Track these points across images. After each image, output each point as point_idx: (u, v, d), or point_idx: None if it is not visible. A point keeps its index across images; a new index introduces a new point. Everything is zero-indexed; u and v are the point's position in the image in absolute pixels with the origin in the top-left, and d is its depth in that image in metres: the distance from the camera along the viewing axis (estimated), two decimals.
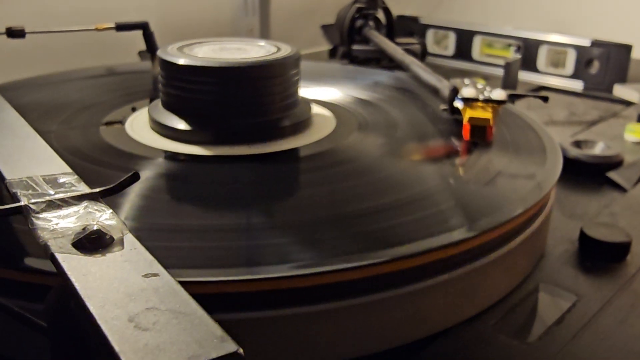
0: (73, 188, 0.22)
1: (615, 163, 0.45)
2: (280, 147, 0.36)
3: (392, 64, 0.59)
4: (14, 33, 0.51)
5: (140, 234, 0.20)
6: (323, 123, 0.40)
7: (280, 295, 0.24)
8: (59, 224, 0.19)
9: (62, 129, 0.38)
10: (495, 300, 0.30)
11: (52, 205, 0.20)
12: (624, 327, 0.29)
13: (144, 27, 0.55)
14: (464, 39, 0.77)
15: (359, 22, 0.70)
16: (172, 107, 0.37)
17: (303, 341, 0.25)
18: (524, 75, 0.70)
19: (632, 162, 0.46)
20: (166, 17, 0.73)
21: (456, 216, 0.29)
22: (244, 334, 0.24)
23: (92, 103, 0.44)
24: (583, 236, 0.35)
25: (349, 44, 0.70)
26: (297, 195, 0.32)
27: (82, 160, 0.33)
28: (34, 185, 0.22)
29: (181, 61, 0.36)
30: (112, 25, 0.54)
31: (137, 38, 0.56)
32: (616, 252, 0.34)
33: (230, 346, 0.14)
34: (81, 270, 0.17)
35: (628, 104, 0.63)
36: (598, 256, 0.34)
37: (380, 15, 0.72)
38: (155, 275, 0.17)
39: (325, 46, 0.79)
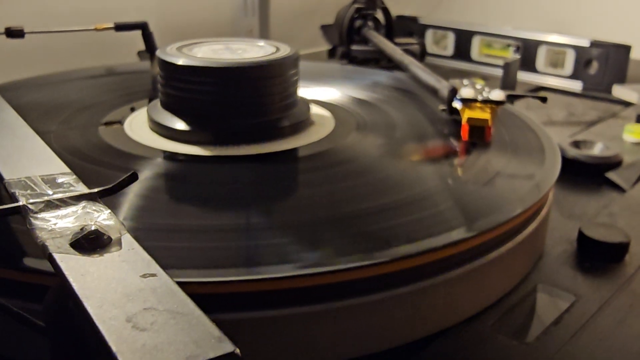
0: (71, 188, 0.22)
1: (614, 163, 0.45)
2: (279, 147, 0.36)
3: (391, 64, 0.59)
4: (13, 33, 0.51)
5: (139, 234, 0.20)
6: (322, 123, 0.40)
7: (279, 296, 0.24)
8: (57, 224, 0.19)
9: (62, 129, 0.38)
10: (494, 300, 0.30)
11: (51, 205, 0.20)
12: (623, 328, 0.29)
13: (143, 27, 0.55)
14: (463, 39, 0.77)
15: (358, 23, 0.70)
16: (171, 107, 0.37)
17: (302, 341, 0.25)
18: (523, 76, 0.70)
19: (631, 163, 0.46)
20: (165, 17, 0.73)
21: (455, 216, 0.29)
22: (244, 334, 0.24)
23: (91, 103, 0.44)
24: (582, 236, 0.35)
25: (348, 44, 0.70)
26: (296, 195, 0.32)
27: (81, 160, 0.33)
28: (33, 185, 0.22)
29: (180, 61, 0.36)
30: (112, 25, 0.54)
31: (136, 38, 0.56)
32: (615, 253, 0.34)
33: (228, 346, 0.14)
34: (79, 271, 0.17)
35: (627, 104, 0.63)
36: (597, 256, 0.34)
37: (380, 15, 0.72)
38: (153, 275, 0.17)
39: (324, 46, 0.79)
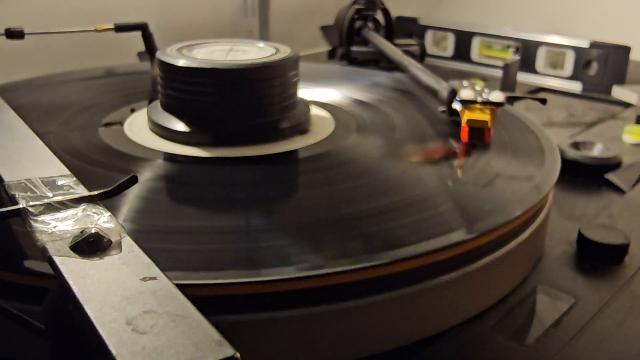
0: (71, 190, 0.22)
1: (613, 164, 0.45)
2: (279, 148, 0.36)
3: (391, 65, 0.59)
4: (13, 34, 0.51)
5: (139, 236, 0.20)
6: (322, 124, 0.40)
7: (279, 298, 0.24)
8: (57, 227, 0.19)
9: (61, 130, 0.38)
10: (494, 301, 0.30)
11: (51, 207, 0.20)
12: (622, 329, 0.29)
13: (143, 28, 0.55)
14: (463, 40, 0.77)
15: (358, 24, 0.70)
16: (171, 108, 0.37)
17: (302, 343, 0.25)
18: (523, 77, 0.70)
19: (631, 164, 0.46)
20: (165, 18, 0.73)
21: (455, 218, 0.29)
22: (244, 335, 0.24)
23: (91, 104, 0.44)
24: (581, 238, 0.35)
25: (348, 45, 0.70)
26: (296, 196, 0.32)
27: (80, 162, 0.33)
28: (33, 188, 0.22)
29: (180, 63, 0.36)
30: (112, 26, 0.54)
31: (136, 39, 0.56)
32: (614, 254, 0.34)
33: (228, 350, 0.14)
34: (79, 273, 0.17)
35: (626, 105, 0.63)
36: (596, 258, 0.34)
37: (379, 16, 0.72)
38: (153, 278, 0.17)
39: (324, 47, 0.79)
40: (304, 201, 0.31)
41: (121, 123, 0.39)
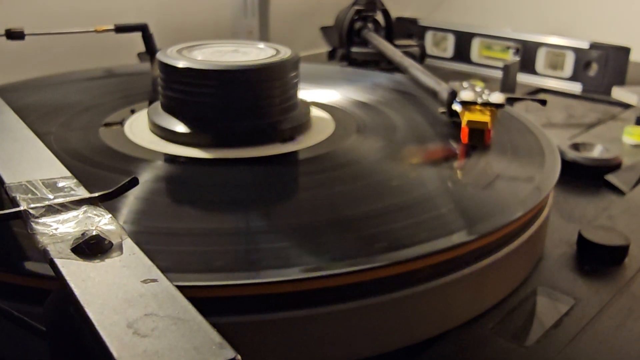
0: (72, 192, 0.22)
1: (613, 166, 0.45)
2: (279, 149, 0.36)
3: (391, 66, 0.59)
4: (14, 35, 0.51)
5: (139, 238, 0.20)
6: (322, 125, 0.40)
7: (280, 299, 0.24)
8: (58, 229, 0.19)
9: (62, 131, 0.38)
10: (494, 303, 0.30)
11: (52, 210, 0.20)
12: (622, 331, 0.29)
13: (143, 28, 0.55)
14: (463, 41, 0.77)
15: (358, 24, 0.70)
16: (171, 109, 0.37)
17: (303, 344, 0.25)
18: (523, 78, 0.70)
19: (631, 165, 0.46)
20: (165, 19, 0.73)
21: (455, 219, 0.30)
22: (244, 337, 0.24)
23: (91, 105, 0.44)
24: (581, 239, 0.35)
25: (348, 46, 0.70)
26: (297, 198, 0.32)
27: (81, 163, 0.33)
28: (34, 190, 0.22)
29: (180, 64, 0.36)
30: (112, 27, 0.55)
31: (136, 40, 0.56)
32: (614, 255, 0.34)
33: (229, 352, 0.14)
34: (80, 276, 0.17)
35: (626, 106, 0.63)
36: (596, 259, 0.34)
37: (379, 17, 0.72)
38: (154, 281, 0.17)
39: (324, 48, 0.79)
40: (304, 202, 0.31)
41: (121, 124, 0.39)
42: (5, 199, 0.23)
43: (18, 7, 0.63)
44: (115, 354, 0.14)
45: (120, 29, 0.55)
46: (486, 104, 0.38)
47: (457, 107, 0.40)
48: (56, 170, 0.24)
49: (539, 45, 0.71)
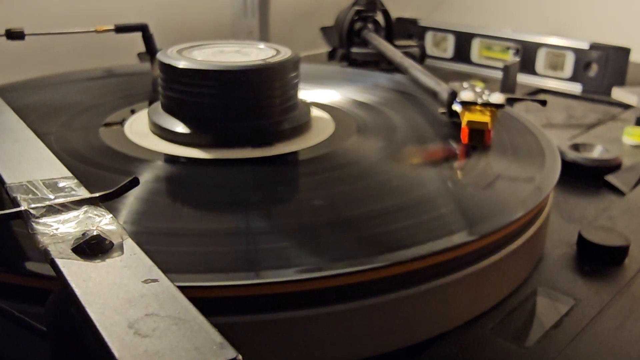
0: (73, 192, 0.22)
1: (613, 166, 0.45)
2: (280, 150, 0.36)
3: (391, 67, 0.59)
4: (14, 35, 0.51)
5: (139, 238, 0.20)
6: (322, 126, 0.40)
7: (280, 299, 0.24)
8: (59, 229, 0.19)
9: (62, 131, 0.38)
10: (494, 303, 0.30)
11: (52, 210, 0.20)
12: (622, 331, 0.29)
13: (143, 29, 0.55)
14: (463, 41, 0.77)
15: (358, 25, 0.71)
16: (171, 110, 0.37)
17: (304, 345, 0.25)
18: (523, 78, 0.70)
19: (631, 166, 0.46)
20: (165, 19, 0.73)
21: (455, 220, 0.30)
22: (245, 337, 0.24)
23: (91, 105, 0.44)
24: (581, 240, 0.35)
25: (348, 46, 0.70)
26: (297, 198, 0.32)
27: (81, 163, 0.33)
28: (34, 190, 0.22)
29: (181, 64, 0.36)
30: (112, 27, 0.55)
31: (136, 40, 0.56)
32: (614, 256, 0.34)
33: (230, 352, 0.14)
34: (81, 276, 0.17)
35: (626, 106, 0.63)
36: (596, 260, 0.34)
37: (380, 17, 0.72)
38: (155, 281, 0.17)
39: (324, 48, 0.79)
40: (304, 203, 0.31)
41: (122, 124, 0.39)
42: (6, 199, 0.23)
43: (18, 7, 0.63)
44: (116, 354, 0.14)
45: (120, 29, 0.55)
46: (486, 105, 0.38)
47: (457, 107, 0.40)
48: (57, 170, 0.24)
49: (539, 45, 0.71)
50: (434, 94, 0.44)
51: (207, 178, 0.33)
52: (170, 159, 0.35)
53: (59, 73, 0.52)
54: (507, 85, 0.61)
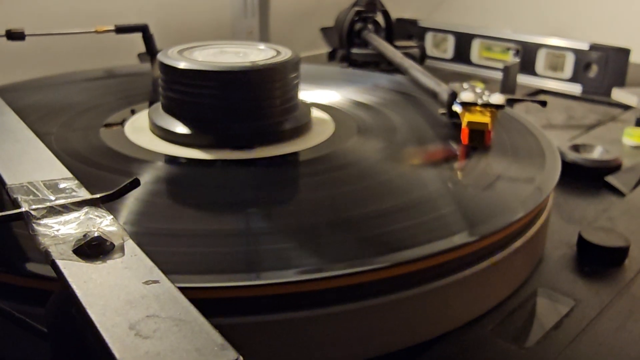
0: (73, 193, 0.22)
1: (613, 167, 0.45)
2: (280, 150, 0.36)
3: (391, 67, 0.59)
4: (14, 35, 0.51)
5: (140, 239, 0.20)
6: (322, 127, 0.40)
7: (281, 300, 0.24)
8: (59, 230, 0.19)
9: (62, 131, 0.38)
10: (494, 304, 0.30)
11: (53, 211, 0.20)
12: (622, 332, 0.29)
13: (143, 29, 0.55)
14: (463, 42, 0.77)
15: (358, 25, 0.71)
16: (172, 110, 0.37)
17: (304, 345, 0.25)
18: (523, 79, 0.70)
19: (631, 167, 0.46)
20: (166, 19, 0.73)
21: (456, 221, 0.30)
22: (245, 338, 0.24)
23: (91, 105, 0.44)
24: (581, 241, 0.35)
25: (348, 47, 0.70)
26: (297, 199, 0.32)
27: (81, 164, 0.33)
28: (35, 191, 0.22)
29: (181, 65, 0.36)
30: (112, 27, 0.55)
31: (136, 40, 0.56)
32: (614, 257, 0.34)
33: (231, 354, 0.14)
34: (82, 277, 0.17)
35: (626, 107, 0.63)
36: (596, 261, 0.34)
37: (380, 18, 0.72)
38: (156, 282, 0.17)
39: (324, 49, 0.79)
40: (305, 204, 0.31)
41: (122, 124, 0.39)
42: (7, 200, 0.23)
43: (18, 7, 0.63)
44: (117, 355, 0.14)
45: (120, 30, 0.55)
46: (486, 105, 0.38)
47: (457, 108, 0.40)
48: (57, 171, 0.24)
49: (539, 46, 0.71)
50: (434, 95, 0.44)
51: (208, 179, 0.33)
52: (171, 160, 0.35)
53: (60, 73, 0.52)
54: (507, 86, 0.61)
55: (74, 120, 0.41)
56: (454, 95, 0.40)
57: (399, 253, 0.26)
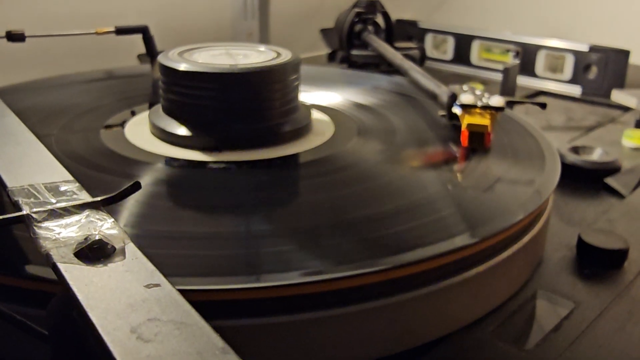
0: (74, 196, 0.22)
1: (613, 169, 0.46)
2: (280, 152, 0.36)
3: (391, 69, 0.59)
4: (14, 37, 0.51)
5: (140, 241, 0.20)
6: (322, 128, 0.40)
7: (281, 303, 0.24)
8: (60, 234, 0.19)
9: (62, 133, 0.38)
10: (494, 306, 0.30)
11: (54, 214, 0.20)
12: (622, 334, 0.29)
13: (143, 31, 0.55)
14: (463, 43, 0.77)
15: (358, 27, 0.71)
16: (172, 112, 0.37)
17: (305, 348, 0.25)
18: (523, 80, 0.70)
19: (630, 168, 0.46)
20: (166, 20, 0.73)
21: (456, 223, 0.30)
22: (246, 340, 0.24)
23: (91, 107, 0.44)
24: (581, 243, 0.35)
25: (348, 48, 0.70)
26: (297, 201, 0.32)
27: (82, 166, 0.33)
28: (36, 194, 0.22)
29: (182, 67, 0.36)
30: (112, 29, 0.55)
31: (136, 41, 0.56)
32: (614, 259, 0.34)
33: (231, 357, 0.14)
34: (83, 281, 0.17)
35: (626, 109, 0.63)
36: (596, 263, 0.34)
37: (379, 19, 0.72)
38: (157, 285, 0.17)
39: (324, 50, 0.79)
40: (305, 206, 0.31)
41: (122, 126, 0.39)
42: (8, 203, 0.23)
43: (18, 9, 0.63)
44: (118, 359, 0.14)
45: (120, 31, 0.55)
46: (486, 107, 0.38)
47: (457, 110, 0.40)
48: (58, 174, 0.24)
49: (539, 47, 0.71)
50: (433, 97, 0.44)
51: (208, 181, 0.33)
52: (171, 162, 0.35)
53: (60, 75, 0.52)
54: (506, 87, 0.61)
55: (74, 122, 0.41)
56: (453, 97, 0.40)
57: (399, 255, 0.26)
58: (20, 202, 0.21)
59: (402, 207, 0.30)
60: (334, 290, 0.25)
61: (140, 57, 0.62)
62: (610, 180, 0.45)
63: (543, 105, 0.45)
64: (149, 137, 0.38)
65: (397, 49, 0.64)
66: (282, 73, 0.37)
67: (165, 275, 0.18)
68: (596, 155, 0.47)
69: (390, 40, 0.70)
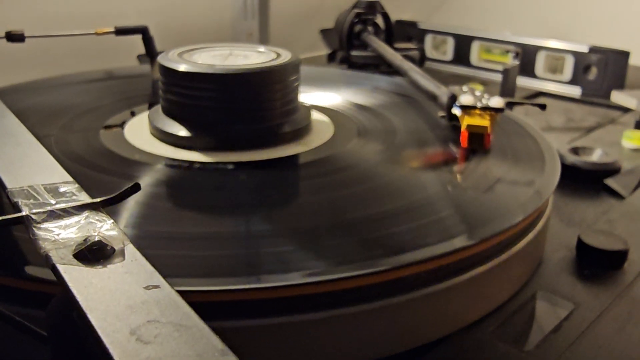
0: (74, 197, 0.22)
1: (612, 170, 0.46)
2: (280, 153, 0.36)
3: (391, 69, 0.59)
4: (14, 37, 0.51)
5: (140, 242, 0.20)
6: (322, 129, 0.40)
7: (281, 303, 0.24)
8: (60, 235, 0.19)
9: (62, 133, 0.38)
10: (494, 307, 0.30)
11: (53, 215, 0.20)
12: (621, 335, 0.29)
13: (143, 31, 0.55)
14: (463, 44, 0.77)
15: (357, 27, 0.71)
16: (172, 113, 0.37)
17: (305, 349, 0.25)
18: (522, 81, 0.70)
19: (630, 169, 0.46)
20: (165, 21, 0.73)
21: (456, 224, 0.30)
22: (246, 341, 0.24)
23: (91, 107, 0.44)
24: (580, 244, 0.35)
25: (347, 49, 0.70)
26: (297, 202, 0.32)
27: (82, 166, 0.33)
28: (35, 195, 0.22)
29: (181, 68, 0.36)
30: (112, 29, 0.55)
31: (136, 42, 0.56)
32: (614, 260, 0.34)
33: (231, 359, 0.14)
34: (82, 282, 0.17)
35: (626, 110, 0.63)
36: (595, 264, 0.34)
37: (379, 20, 0.72)
38: (156, 287, 0.17)
39: (323, 50, 0.79)
40: (304, 206, 0.31)
41: (122, 126, 0.39)
42: (7, 204, 0.23)
43: (18, 9, 0.63)
44: None
45: (120, 32, 0.55)
46: (486, 108, 0.38)
47: (456, 111, 0.40)
48: (58, 175, 0.24)
49: (539, 48, 0.71)
50: (433, 97, 0.44)
51: (208, 181, 0.33)
52: (171, 162, 0.35)
53: (59, 75, 0.52)
54: (506, 88, 0.61)
55: (73, 123, 0.41)
56: (453, 98, 0.40)
57: (399, 256, 0.26)
58: (20, 203, 0.21)
59: (402, 208, 0.30)
60: (334, 291, 0.25)
61: (140, 57, 0.62)
62: (610, 181, 0.45)
63: (543, 106, 0.45)
64: (149, 137, 0.38)
65: (396, 49, 0.64)
66: (282, 74, 0.37)
67: (165, 276, 0.18)
68: (596, 156, 0.47)
69: (390, 40, 0.70)
